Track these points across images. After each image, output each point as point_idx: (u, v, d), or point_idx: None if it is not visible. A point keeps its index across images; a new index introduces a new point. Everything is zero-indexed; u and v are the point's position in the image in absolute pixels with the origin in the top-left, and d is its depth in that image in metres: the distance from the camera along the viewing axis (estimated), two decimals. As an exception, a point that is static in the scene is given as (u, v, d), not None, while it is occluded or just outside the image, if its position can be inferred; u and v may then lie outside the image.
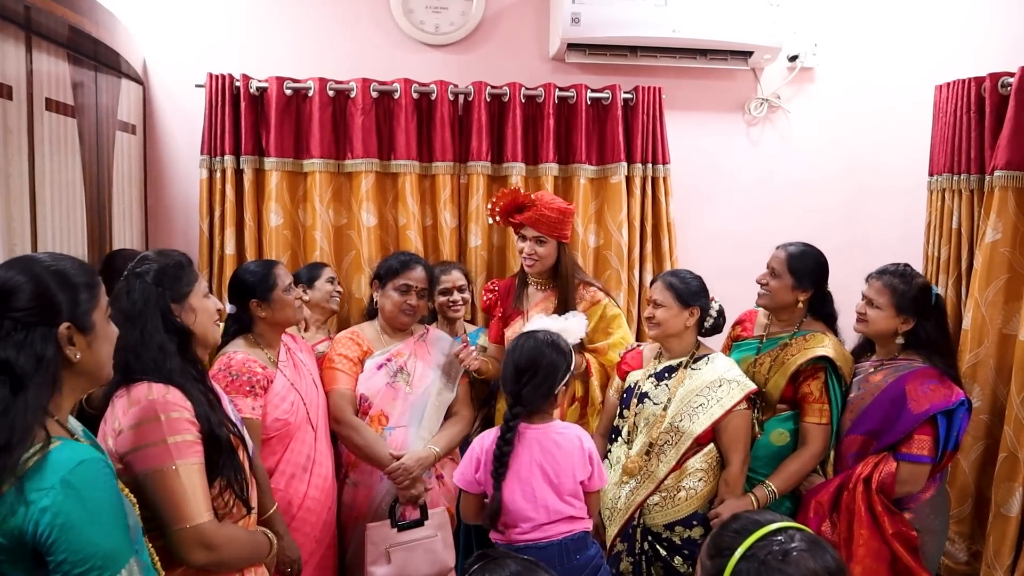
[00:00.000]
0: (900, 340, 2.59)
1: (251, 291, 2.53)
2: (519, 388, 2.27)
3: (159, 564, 1.63)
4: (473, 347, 2.96)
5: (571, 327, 2.62)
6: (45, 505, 1.30)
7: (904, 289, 2.54)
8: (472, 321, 3.46)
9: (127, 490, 1.55)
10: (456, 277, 3.17)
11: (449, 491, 2.88)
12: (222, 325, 2.11)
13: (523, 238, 2.93)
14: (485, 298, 3.13)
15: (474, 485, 2.31)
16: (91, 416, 2.30)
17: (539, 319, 2.68)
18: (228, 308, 2.54)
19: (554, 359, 2.30)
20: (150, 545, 1.60)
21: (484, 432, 2.40)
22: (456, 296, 3.15)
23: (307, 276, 3.15)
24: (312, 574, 2.55)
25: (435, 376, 2.89)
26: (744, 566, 1.29)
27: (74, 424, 1.54)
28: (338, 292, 3.22)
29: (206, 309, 1.99)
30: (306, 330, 3.07)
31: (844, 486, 2.52)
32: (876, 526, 2.45)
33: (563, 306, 2.93)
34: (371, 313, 3.05)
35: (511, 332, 2.96)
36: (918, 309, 2.55)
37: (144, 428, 1.73)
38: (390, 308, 2.88)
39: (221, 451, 1.84)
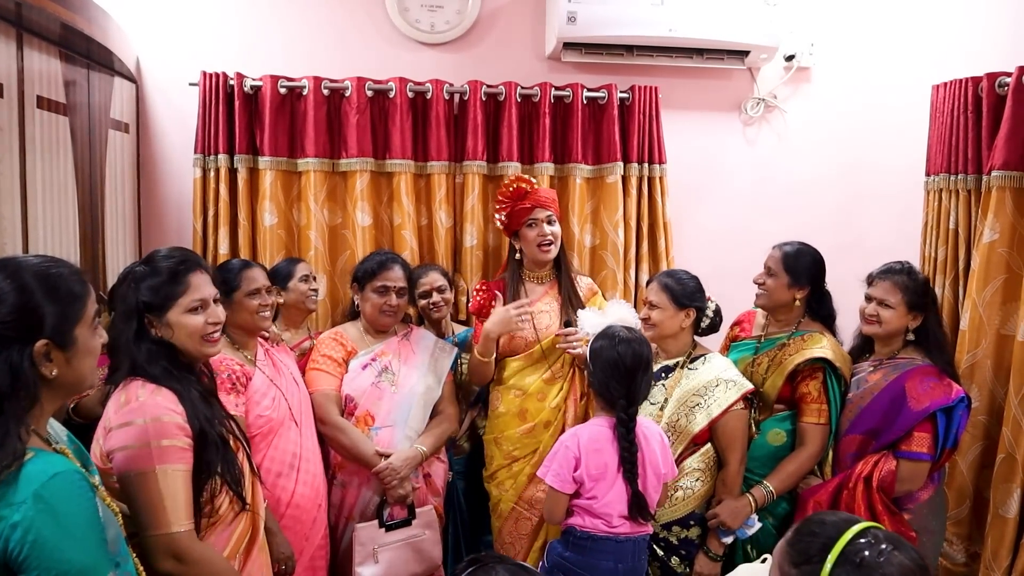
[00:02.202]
0: (911, 336, 2.61)
1: (219, 288, 2.51)
2: (635, 387, 2.33)
3: (143, 574, 1.61)
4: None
5: (627, 317, 2.61)
6: (16, 520, 1.26)
7: (914, 286, 2.57)
8: (466, 322, 3.44)
9: (109, 499, 1.52)
10: (434, 279, 3.11)
11: (436, 490, 2.88)
12: (217, 337, 2.02)
13: (533, 224, 2.89)
14: (477, 299, 3.01)
15: (570, 484, 2.32)
16: (79, 425, 2.29)
17: (588, 315, 2.66)
18: None
19: (649, 351, 2.39)
20: (134, 555, 1.58)
21: (575, 430, 2.39)
22: (436, 298, 3.09)
23: (282, 274, 3.03)
24: (304, 572, 2.54)
25: (420, 375, 2.88)
26: (842, 571, 1.27)
27: (57, 430, 1.51)
28: (314, 291, 3.10)
29: (185, 326, 1.86)
30: (276, 344, 2.92)
31: (843, 485, 2.52)
32: None
33: (566, 297, 2.92)
34: (353, 314, 3.02)
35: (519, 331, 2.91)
36: (925, 304, 2.59)
37: (130, 429, 1.70)
38: (370, 310, 2.87)
39: (215, 450, 1.80)
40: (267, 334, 2.71)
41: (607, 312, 2.66)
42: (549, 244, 2.89)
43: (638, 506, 2.30)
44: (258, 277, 2.59)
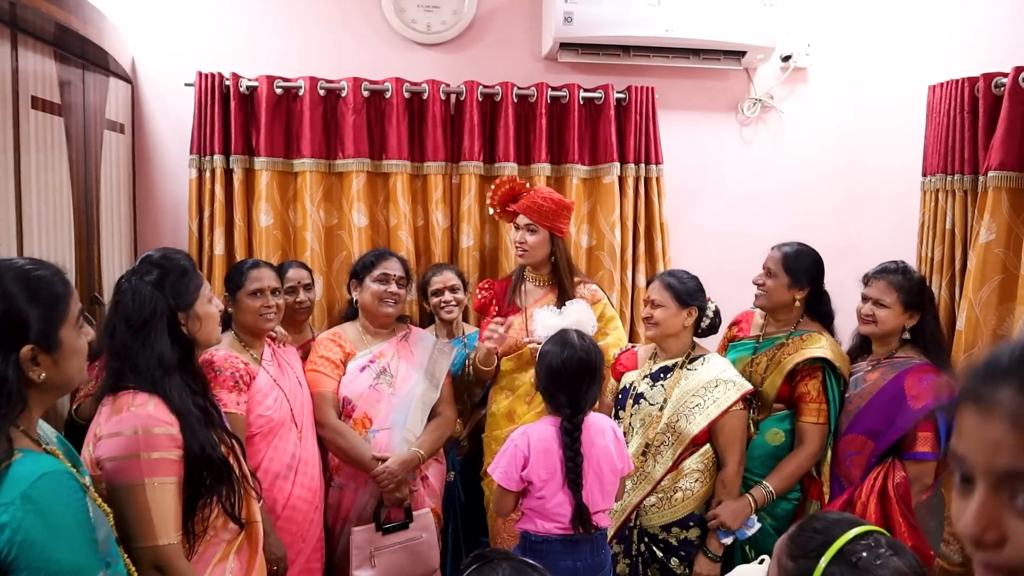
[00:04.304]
0: (907, 336, 2.61)
1: (225, 286, 2.56)
2: (579, 395, 2.28)
3: (135, 574, 1.59)
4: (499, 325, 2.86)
5: (584, 319, 2.62)
6: (4, 521, 1.26)
7: (909, 285, 2.59)
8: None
9: (100, 500, 1.50)
10: (448, 277, 3.13)
11: (434, 492, 2.88)
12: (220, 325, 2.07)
13: (516, 227, 2.93)
14: (479, 296, 3.09)
15: (517, 483, 2.29)
16: (80, 427, 2.28)
17: (544, 315, 2.66)
18: None
19: (598, 359, 2.34)
20: (126, 556, 1.56)
21: (525, 429, 2.35)
22: (448, 296, 3.11)
23: None
24: (300, 575, 2.54)
25: (418, 377, 2.87)
26: (836, 569, 1.27)
27: (46, 431, 1.50)
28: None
29: (211, 316, 1.94)
30: (283, 345, 2.86)
31: (851, 503, 2.51)
32: None
33: (562, 303, 2.92)
34: (350, 314, 3.02)
35: (510, 330, 2.94)
36: (922, 303, 2.60)
37: (120, 440, 1.68)
38: (371, 299, 2.85)
39: (208, 469, 1.77)
40: (273, 334, 2.71)
41: (564, 313, 2.67)
42: (523, 252, 2.93)
43: (580, 517, 2.25)
44: (263, 277, 2.59)
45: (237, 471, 1.90)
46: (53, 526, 1.30)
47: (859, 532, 1.32)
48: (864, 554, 1.28)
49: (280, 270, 2.98)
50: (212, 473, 1.78)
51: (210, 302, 1.96)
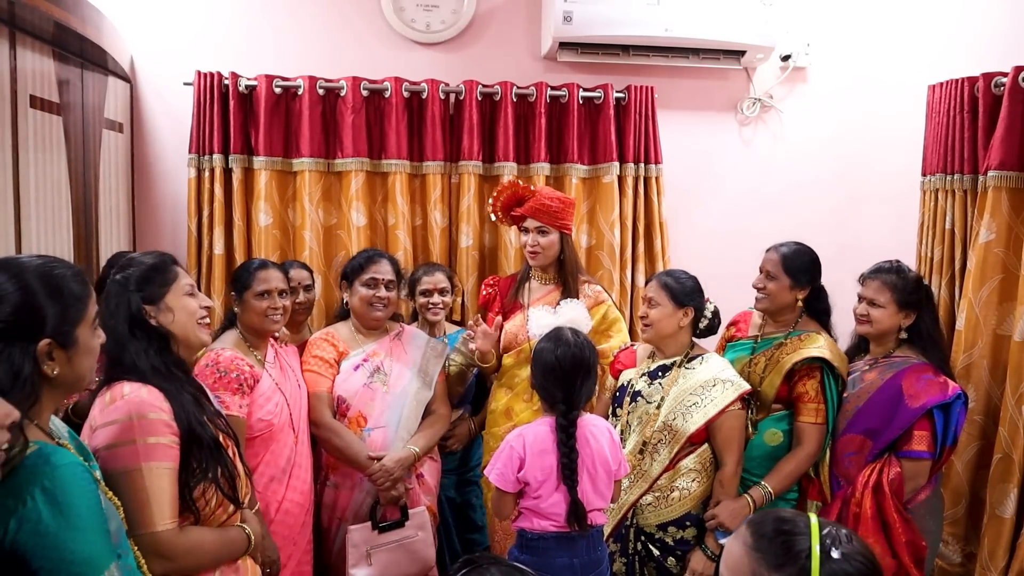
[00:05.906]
0: (903, 335, 2.61)
1: (232, 285, 2.56)
2: (574, 392, 2.28)
3: (145, 567, 1.60)
4: (482, 326, 2.92)
5: (578, 319, 2.63)
6: (21, 512, 1.27)
7: (903, 285, 2.58)
8: (460, 322, 3.43)
9: (111, 492, 1.52)
10: (438, 279, 3.12)
11: (430, 490, 2.88)
12: (209, 323, 2.06)
13: (525, 231, 2.94)
14: (484, 292, 3.11)
15: (514, 484, 2.28)
16: (78, 425, 2.28)
17: (538, 314, 2.67)
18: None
19: (592, 356, 2.34)
20: (135, 547, 1.57)
21: (520, 430, 2.34)
22: (436, 299, 3.09)
23: None
24: (290, 576, 2.54)
25: (412, 375, 2.87)
26: (830, 568, 1.26)
27: (58, 426, 1.52)
28: (301, 303, 3.02)
29: (185, 308, 1.92)
30: (284, 345, 2.89)
31: (848, 501, 2.50)
32: (885, 536, 2.43)
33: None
34: (343, 314, 3.01)
35: (511, 326, 2.95)
36: (917, 301, 2.59)
37: (116, 427, 1.69)
38: (359, 304, 2.85)
39: (203, 451, 1.78)
40: (277, 335, 2.71)
41: (558, 312, 2.68)
42: (535, 253, 2.94)
43: (576, 515, 2.25)
44: (271, 279, 2.59)
45: (236, 462, 1.91)
46: (68, 517, 1.31)
47: (815, 528, 1.31)
48: (839, 549, 1.28)
49: (281, 270, 2.98)
50: (204, 452, 1.78)
51: (189, 296, 1.94)
